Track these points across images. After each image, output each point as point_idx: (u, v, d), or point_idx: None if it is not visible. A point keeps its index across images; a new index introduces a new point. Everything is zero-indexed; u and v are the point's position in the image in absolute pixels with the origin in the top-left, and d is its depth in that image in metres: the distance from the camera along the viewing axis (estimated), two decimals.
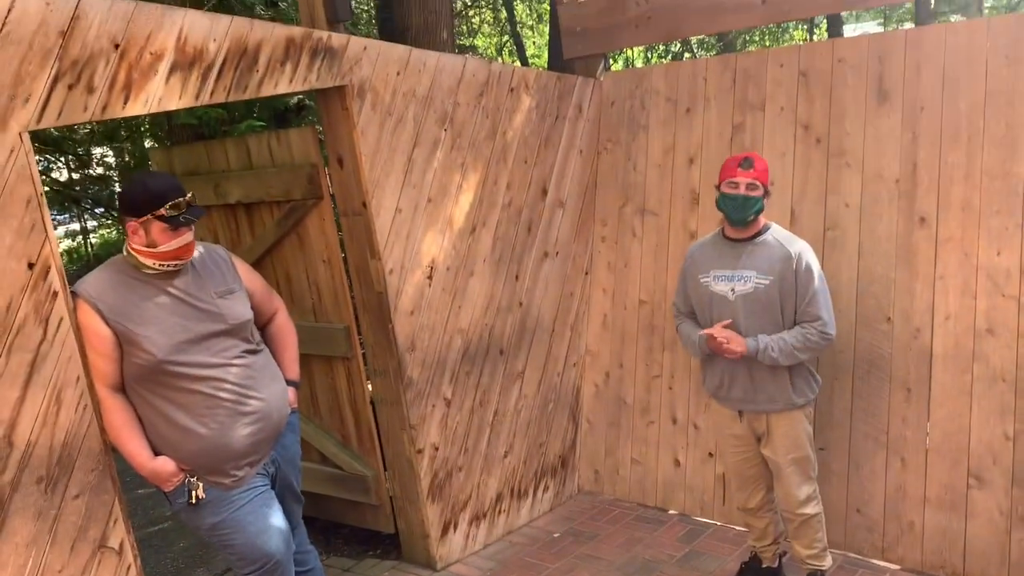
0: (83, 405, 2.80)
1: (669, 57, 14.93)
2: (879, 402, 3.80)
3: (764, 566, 3.69)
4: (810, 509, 3.40)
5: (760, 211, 3.27)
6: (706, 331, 3.32)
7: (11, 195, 2.64)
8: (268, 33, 3.30)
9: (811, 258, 3.27)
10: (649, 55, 15.03)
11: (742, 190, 3.25)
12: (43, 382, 2.71)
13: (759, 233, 3.33)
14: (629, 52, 15.06)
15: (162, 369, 2.82)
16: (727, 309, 3.32)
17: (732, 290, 3.31)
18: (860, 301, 3.85)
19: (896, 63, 3.80)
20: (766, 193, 3.28)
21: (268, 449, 3.08)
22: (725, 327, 3.29)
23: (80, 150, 10.37)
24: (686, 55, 14.78)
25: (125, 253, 2.91)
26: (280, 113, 5.83)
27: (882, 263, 3.81)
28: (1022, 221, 3.47)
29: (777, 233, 3.33)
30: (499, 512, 4.43)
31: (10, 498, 2.66)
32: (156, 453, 2.90)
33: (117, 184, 11.30)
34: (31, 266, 2.69)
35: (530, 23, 16.96)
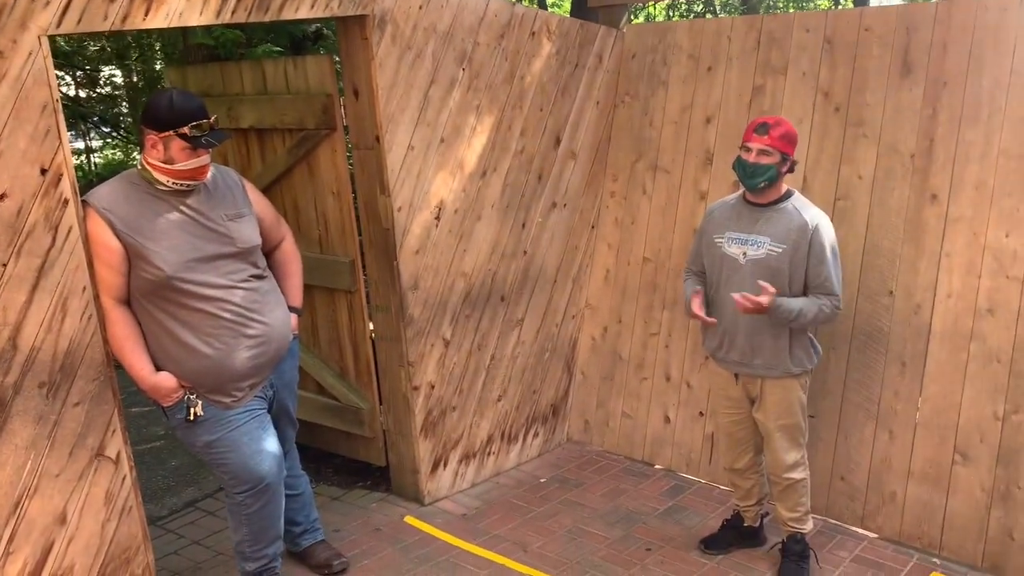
0: (88, 315, 2.83)
1: (691, 17, 14.71)
2: (873, 374, 3.84)
3: (745, 525, 3.76)
4: (796, 475, 3.45)
5: (772, 179, 3.23)
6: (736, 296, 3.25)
7: (27, 99, 2.63)
8: None
9: (828, 231, 3.25)
10: (671, 13, 14.80)
11: (752, 156, 3.21)
12: (50, 288, 2.73)
13: (780, 200, 3.31)
14: (651, 8, 14.83)
15: (170, 285, 2.84)
16: (736, 273, 3.32)
17: (744, 254, 3.31)
18: (864, 273, 3.86)
19: (923, 36, 3.76)
20: (784, 161, 3.24)
21: (268, 372, 3.12)
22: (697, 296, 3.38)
23: (88, 67, 10.27)
24: (707, 16, 14.57)
25: (139, 167, 2.91)
26: (297, 40, 5.76)
27: (889, 237, 3.82)
28: None
29: (797, 202, 3.31)
30: (488, 453, 4.49)
31: (12, 400, 2.70)
32: (158, 368, 2.94)
33: (124, 104, 11.21)
34: (44, 172, 2.69)
35: None
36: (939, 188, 3.70)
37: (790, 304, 3.21)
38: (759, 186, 3.24)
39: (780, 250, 3.25)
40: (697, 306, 3.35)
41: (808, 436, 3.55)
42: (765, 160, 3.20)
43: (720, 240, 3.39)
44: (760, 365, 3.36)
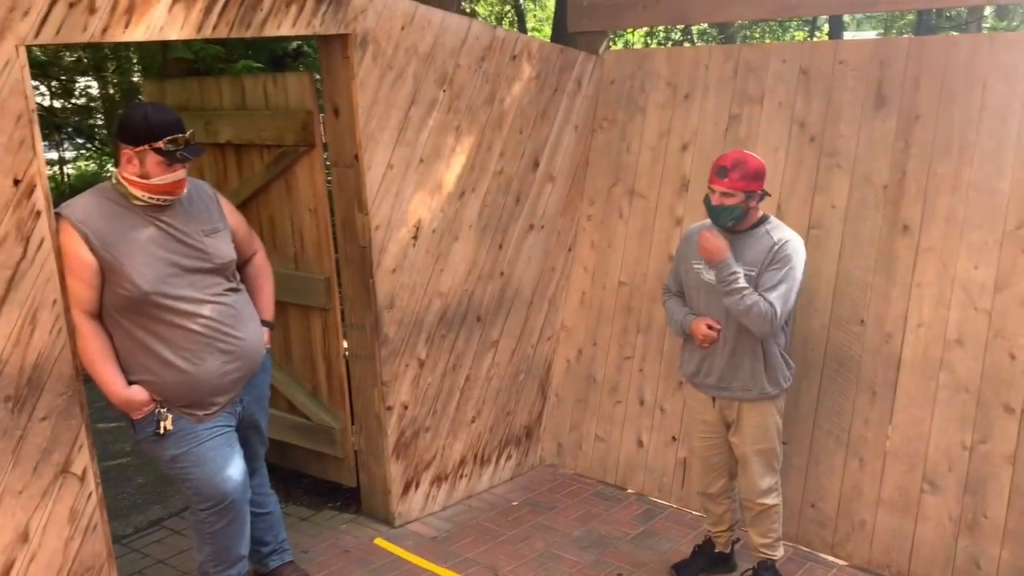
0: (57, 328, 2.78)
1: (669, 44, 14.91)
2: (844, 402, 3.87)
3: (716, 551, 3.76)
4: (770, 500, 3.47)
5: (739, 217, 3.26)
6: (694, 324, 3.36)
7: (2, 108, 2.60)
8: None
9: (793, 250, 3.26)
10: (649, 40, 14.99)
11: (716, 199, 3.26)
12: (19, 301, 2.69)
13: (755, 226, 3.34)
14: (630, 35, 15.01)
15: (147, 301, 2.81)
16: (714, 298, 3.34)
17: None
18: (836, 301, 3.91)
19: (897, 70, 3.83)
20: (751, 196, 3.24)
21: (241, 387, 3.10)
22: (711, 327, 3.33)
23: (64, 78, 10.17)
24: (685, 44, 14.76)
25: (114, 181, 2.89)
26: (277, 57, 5.75)
27: (861, 266, 3.87)
28: (1002, 237, 3.53)
29: (771, 225, 3.34)
30: (461, 476, 4.46)
31: None
32: (129, 382, 2.90)
33: (99, 116, 11.11)
34: (16, 183, 2.66)
35: None
36: (911, 219, 3.76)
37: (741, 275, 3.21)
38: (727, 225, 3.29)
39: (753, 273, 3.28)
40: (706, 323, 3.34)
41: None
42: (729, 201, 3.24)
43: (698, 266, 3.41)
44: (738, 387, 3.37)
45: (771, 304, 3.18)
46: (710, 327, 3.33)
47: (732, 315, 3.27)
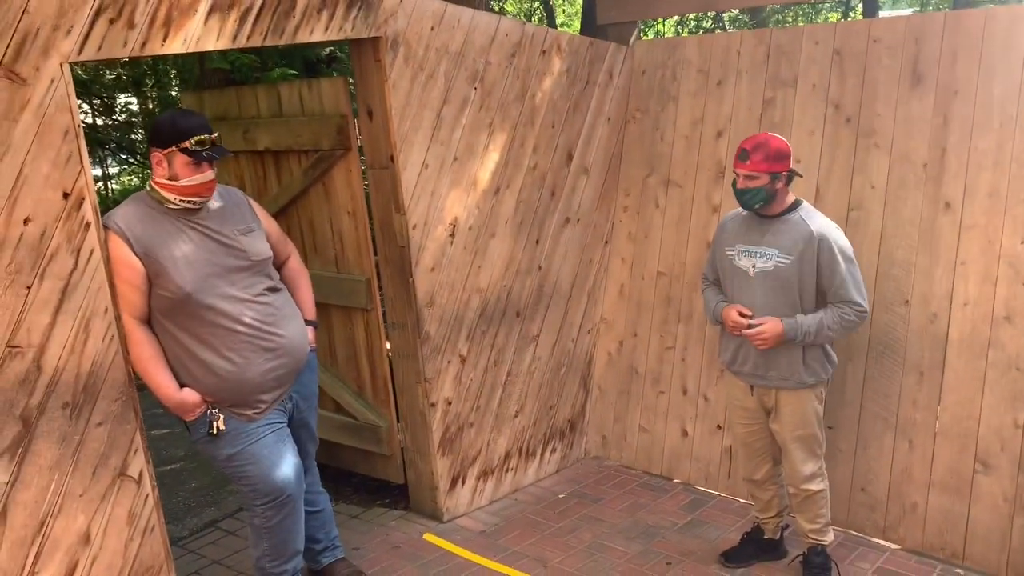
0: (110, 336, 2.86)
1: (700, 32, 14.79)
2: (891, 384, 3.82)
3: (766, 537, 3.74)
4: (814, 485, 3.44)
5: (766, 199, 3.26)
6: (725, 311, 3.37)
7: (49, 125, 2.68)
8: None
9: (837, 238, 3.25)
10: (680, 29, 14.89)
11: (740, 182, 3.26)
12: (73, 310, 2.77)
13: (787, 211, 3.32)
14: (660, 25, 14.92)
15: (190, 301, 2.89)
16: (747, 285, 3.33)
17: (753, 266, 3.32)
18: (879, 283, 3.86)
19: (932, 46, 3.78)
20: (776, 178, 3.23)
21: (288, 385, 3.17)
22: (742, 315, 3.33)
23: (105, 95, 10.44)
24: (716, 31, 14.63)
25: (148, 188, 2.98)
26: (311, 63, 5.84)
27: (904, 246, 3.81)
28: None
29: (804, 212, 3.32)
30: (507, 470, 4.49)
31: (36, 421, 2.73)
32: (180, 385, 2.98)
33: (140, 131, 11.38)
34: (66, 196, 2.74)
35: None
36: (952, 197, 3.70)
37: (806, 323, 3.22)
38: (754, 207, 3.28)
39: (788, 261, 3.26)
40: (736, 310, 3.35)
41: (826, 447, 3.54)
42: (753, 184, 3.24)
43: (731, 252, 3.40)
44: (775, 376, 3.36)
45: (850, 303, 3.22)
46: (741, 314, 3.33)
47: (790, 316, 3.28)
